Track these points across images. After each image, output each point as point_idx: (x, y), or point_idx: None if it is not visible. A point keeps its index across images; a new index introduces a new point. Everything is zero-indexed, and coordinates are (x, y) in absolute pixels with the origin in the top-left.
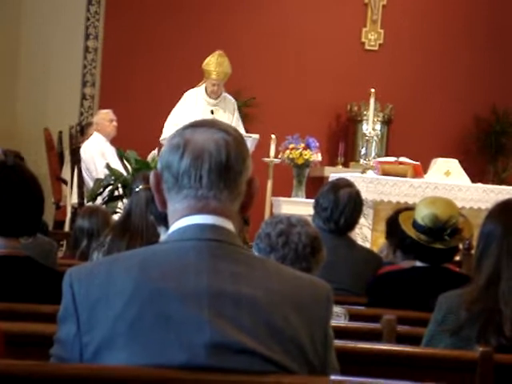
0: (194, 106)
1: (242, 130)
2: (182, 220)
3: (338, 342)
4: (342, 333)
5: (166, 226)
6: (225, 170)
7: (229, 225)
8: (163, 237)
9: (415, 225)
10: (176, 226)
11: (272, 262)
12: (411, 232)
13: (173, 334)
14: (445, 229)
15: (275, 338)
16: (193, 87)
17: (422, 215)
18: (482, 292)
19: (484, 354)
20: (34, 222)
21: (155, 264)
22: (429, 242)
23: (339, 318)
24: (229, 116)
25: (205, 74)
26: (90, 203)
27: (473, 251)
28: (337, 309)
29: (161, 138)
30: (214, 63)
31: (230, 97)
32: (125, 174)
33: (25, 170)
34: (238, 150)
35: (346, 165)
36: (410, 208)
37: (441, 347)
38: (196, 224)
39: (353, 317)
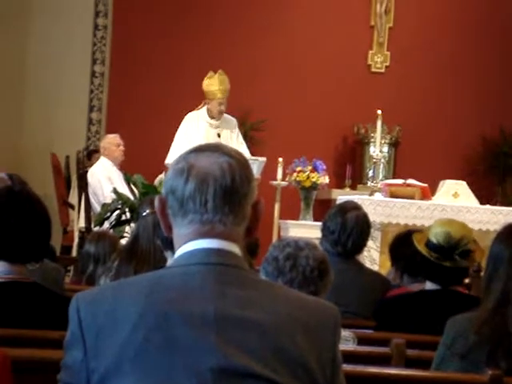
0: (195, 129)
1: (244, 148)
2: (188, 244)
3: (346, 367)
4: (350, 357)
5: (173, 251)
6: (230, 194)
7: (235, 248)
8: (170, 261)
9: (428, 243)
10: (182, 250)
11: (279, 285)
12: (423, 250)
13: (179, 359)
14: (456, 248)
15: (283, 361)
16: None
17: (435, 232)
18: (491, 315)
19: (494, 377)
20: (40, 248)
21: (161, 289)
22: (439, 259)
23: (348, 342)
24: (232, 135)
25: (208, 95)
26: (98, 228)
27: (482, 273)
28: (345, 333)
29: (166, 162)
30: (217, 82)
31: (229, 116)
32: (132, 198)
33: (32, 195)
34: (243, 173)
35: (353, 187)
36: (411, 232)
37: (450, 371)
38: (202, 248)
39: (361, 341)
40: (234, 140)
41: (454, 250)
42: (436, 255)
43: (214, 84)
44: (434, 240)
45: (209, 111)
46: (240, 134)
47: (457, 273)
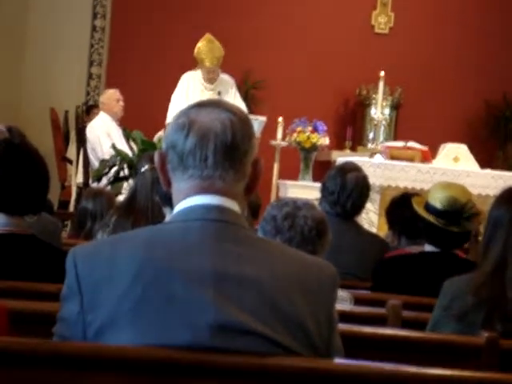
0: (192, 89)
1: (243, 108)
2: (187, 200)
3: (342, 326)
4: (347, 317)
5: (172, 207)
6: (230, 151)
7: (234, 205)
8: (168, 217)
9: (430, 208)
10: (181, 206)
11: (277, 243)
12: (427, 215)
13: (177, 315)
14: (463, 212)
15: (279, 319)
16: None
17: (440, 198)
18: (488, 278)
19: (490, 339)
20: (39, 200)
21: (160, 244)
22: (445, 224)
23: (344, 302)
24: (229, 95)
25: (198, 61)
26: (96, 184)
27: (480, 238)
28: (342, 293)
29: (166, 122)
30: (205, 50)
31: (226, 76)
32: (130, 154)
33: (31, 147)
34: (244, 130)
35: (353, 149)
36: (408, 195)
37: (446, 332)
38: (201, 204)
39: (358, 301)
40: (231, 99)
41: (460, 215)
42: (443, 221)
43: (201, 52)
44: (438, 206)
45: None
46: (238, 93)
47: (460, 236)
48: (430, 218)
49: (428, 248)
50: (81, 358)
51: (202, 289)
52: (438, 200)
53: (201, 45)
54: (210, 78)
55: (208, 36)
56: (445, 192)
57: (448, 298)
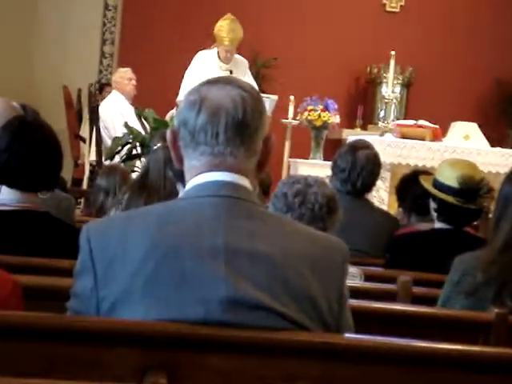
0: (206, 68)
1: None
2: (199, 177)
3: (352, 302)
4: (357, 293)
5: (184, 184)
6: (241, 127)
7: (245, 182)
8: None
9: (444, 188)
10: (193, 182)
11: (289, 219)
12: (443, 195)
13: (189, 290)
14: (478, 189)
15: (290, 295)
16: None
17: (455, 177)
18: (498, 254)
19: (499, 315)
20: (52, 177)
21: (172, 220)
22: (463, 202)
23: (354, 278)
24: (242, 76)
25: (217, 39)
26: (108, 162)
27: (490, 215)
28: (352, 269)
29: (177, 99)
30: (226, 29)
31: (241, 58)
32: (143, 133)
33: (44, 124)
34: (255, 107)
35: (364, 127)
36: (417, 172)
37: (456, 308)
38: (213, 181)
39: (368, 278)
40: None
41: (476, 192)
42: (461, 199)
43: (223, 30)
44: (455, 185)
45: (218, 53)
46: (251, 76)
47: (474, 213)
48: (447, 197)
49: (438, 225)
50: (94, 333)
51: (214, 264)
52: (453, 179)
53: (224, 23)
54: (227, 58)
55: (230, 16)
56: (458, 170)
57: (458, 274)
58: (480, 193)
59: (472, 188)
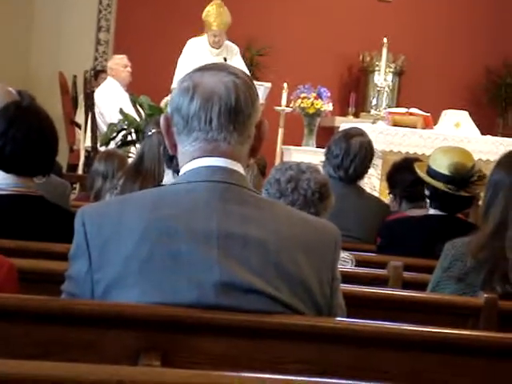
0: (197, 56)
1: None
2: (193, 162)
3: (344, 287)
4: (348, 278)
5: (174, 170)
6: (234, 113)
7: (239, 167)
8: (166, 179)
9: (437, 175)
10: (186, 167)
11: (281, 204)
12: (434, 182)
13: (182, 273)
14: (470, 176)
15: (283, 278)
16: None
17: (447, 164)
18: (488, 240)
19: (489, 300)
20: (48, 162)
21: (166, 204)
22: (455, 190)
23: (346, 263)
24: (236, 61)
25: (205, 24)
26: (104, 147)
27: (480, 202)
28: (344, 254)
29: (172, 87)
30: (214, 14)
31: (231, 43)
32: (138, 119)
33: (40, 110)
34: (248, 92)
35: (356, 115)
36: (408, 159)
37: (446, 293)
38: (206, 166)
39: (360, 263)
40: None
41: (468, 179)
42: (453, 187)
43: (211, 15)
44: (446, 172)
45: (208, 39)
46: (242, 61)
47: (466, 200)
48: (439, 184)
49: (431, 212)
50: (89, 316)
51: (208, 248)
52: (445, 167)
53: (210, 8)
54: (216, 42)
55: (218, 1)
56: (450, 158)
57: (448, 259)
58: (471, 180)
59: (463, 176)
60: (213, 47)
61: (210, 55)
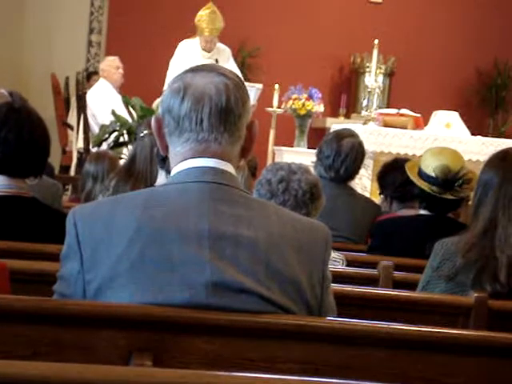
0: (189, 58)
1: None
2: (184, 163)
3: (335, 286)
4: (339, 277)
5: (168, 171)
6: (225, 114)
7: (229, 168)
8: (160, 179)
9: (424, 176)
10: (178, 168)
11: (272, 204)
12: (421, 183)
13: (174, 274)
14: (456, 180)
15: (274, 278)
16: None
17: (434, 166)
18: (478, 239)
19: (479, 299)
20: (39, 163)
21: (158, 205)
22: (440, 192)
23: (337, 263)
24: (228, 64)
25: (197, 29)
26: (96, 149)
27: (470, 202)
28: (335, 254)
29: (164, 89)
30: (206, 20)
31: (223, 46)
32: (130, 120)
33: (32, 111)
34: (238, 93)
35: (347, 116)
36: (398, 160)
37: (436, 293)
38: (197, 167)
39: (350, 263)
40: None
41: (454, 182)
42: (437, 189)
43: (203, 21)
44: (432, 174)
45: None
46: (235, 63)
47: (454, 202)
48: (424, 185)
49: (422, 212)
50: (81, 316)
51: (199, 249)
52: (431, 168)
53: (203, 14)
54: (206, 47)
55: (211, 6)
56: (438, 160)
57: (438, 258)
58: (457, 184)
59: (449, 179)
60: (204, 51)
61: (202, 58)
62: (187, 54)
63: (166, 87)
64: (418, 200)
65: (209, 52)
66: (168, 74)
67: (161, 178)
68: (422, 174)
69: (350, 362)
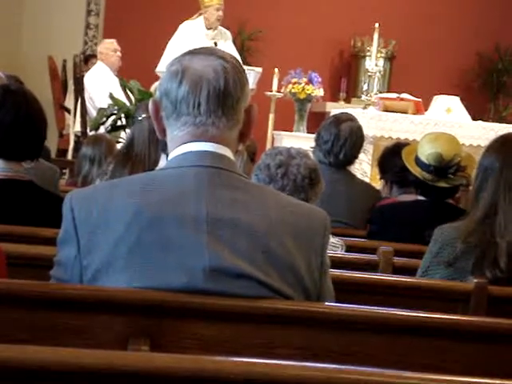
0: (190, 39)
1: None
2: (182, 147)
3: (334, 272)
4: (338, 263)
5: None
6: (223, 97)
7: (227, 152)
8: (162, 163)
9: (419, 162)
10: (175, 152)
11: (270, 189)
12: (415, 170)
13: (172, 258)
14: (449, 167)
15: (272, 263)
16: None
17: (427, 154)
18: (478, 224)
19: (478, 285)
20: (36, 146)
21: (155, 189)
22: (433, 180)
23: (336, 248)
24: (226, 47)
25: (204, 3)
26: (93, 132)
27: (471, 187)
28: (334, 240)
29: (156, 70)
30: None
31: (224, 29)
32: (128, 104)
33: (28, 93)
34: (236, 77)
35: (347, 100)
36: (399, 144)
37: (436, 278)
38: (195, 151)
39: (350, 249)
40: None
41: (447, 170)
42: (430, 177)
43: None
44: (425, 161)
45: (206, 20)
46: (234, 47)
47: (449, 190)
48: (418, 173)
49: (421, 197)
50: (78, 301)
51: (197, 233)
52: (425, 156)
53: None
54: (219, 17)
55: None
56: (432, 148)
57: (438, 244)
58: (449, 172)
59: (441, 167)
60: (209, 29)
61: (205, 38)
62: (189, 36)
63: (159, 69)
64: (414, 187)
65: (214, 31)
66: (164, 55)
67: (162, 162)
68: (418, 161)
69: (349, 348)
